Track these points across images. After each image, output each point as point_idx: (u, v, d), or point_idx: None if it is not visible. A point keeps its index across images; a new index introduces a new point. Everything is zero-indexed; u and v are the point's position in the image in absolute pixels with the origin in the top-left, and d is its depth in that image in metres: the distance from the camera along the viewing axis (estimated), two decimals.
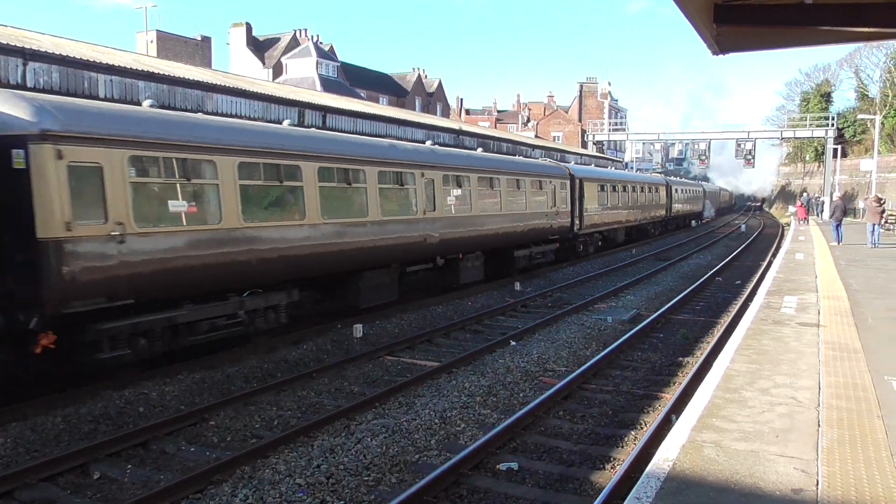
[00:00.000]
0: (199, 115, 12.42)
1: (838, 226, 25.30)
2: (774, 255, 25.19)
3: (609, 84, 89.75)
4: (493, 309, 15.57)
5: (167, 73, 17.59)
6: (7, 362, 8.31)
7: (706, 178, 74.63)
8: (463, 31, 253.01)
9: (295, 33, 60.21)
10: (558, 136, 79.58)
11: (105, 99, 15.11)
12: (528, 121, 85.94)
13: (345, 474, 6.64)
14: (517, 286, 18.98)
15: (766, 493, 4.61)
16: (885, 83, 58.31)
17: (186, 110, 16.45)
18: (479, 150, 24.62)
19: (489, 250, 18.99)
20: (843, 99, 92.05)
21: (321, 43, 59.20)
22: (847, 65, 67.72)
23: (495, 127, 71.84)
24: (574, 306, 15.75)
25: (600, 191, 28.51)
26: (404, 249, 14.83)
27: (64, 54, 14.97)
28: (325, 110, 22.84)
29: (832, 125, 53.09)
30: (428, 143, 19.10)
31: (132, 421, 8.14)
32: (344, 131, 21.38)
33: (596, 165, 37.38)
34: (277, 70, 55.96)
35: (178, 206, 9.64)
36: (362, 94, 52.61)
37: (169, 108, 15.77)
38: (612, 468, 6.89)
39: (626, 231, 33.61)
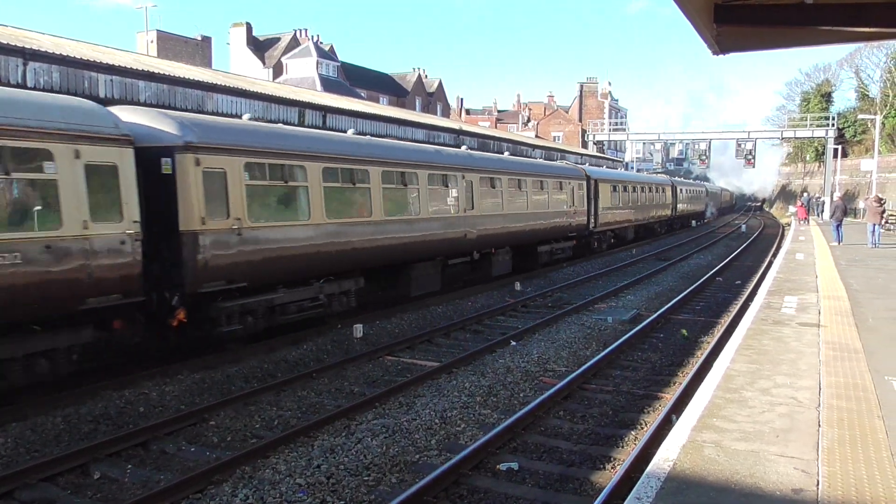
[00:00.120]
0: (291, 126, 15.53)
1: (839, 226, 25.29)
2: (775, 255, 25.19)
3: (609, 84, 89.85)
4: (493, 309, 15.57)
5: (167, 73, 17.59)
6: (150, 332, 10.03)
7: (706, 179, 74.63)
8: (463, 31, 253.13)
9: (295, 33, 60.22)
10: (558, 136, 79.58)
11: (105, 99, 15.10)
12: (529, 121, 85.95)
13: (345, 474, 6.64)
14: (517, 286, 18.99)
15: (766, 493, 4.60)
16: (886, 83, 58.32)
17: (186, 110, 16.45)
18: (506, 153, 25.95)
19: (516, 246, 20.60)
20: (844, 99, 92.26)
21: (321, 43, 59.22)
22: (847, 65, 67.79)
23: (495, 127, 71.85)
24: (574, 306, 15.75)
25: (613, 191, 29.95)
26: (447, 244, 16.54)
27: (64, 54, 14.96)
28: (325, 110, 22.84)
29: (832, 125, 53.10)
30: (463, 147, 21.22)
31: (132, 421, 8.15)
32: (344, 131, 21.37)
33: (597, 166, 37.73)
34: (278, 70, 55.98)
35: (278, 204, 11.64)
36: (362, 94, 52.61)
37: (169, 108, 15.80)
38: (612, 468, 6.89)
39: (634, 229, 35.09)
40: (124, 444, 7.35)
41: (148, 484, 6.52)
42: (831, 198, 43.08)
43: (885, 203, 26.70)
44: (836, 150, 50.77)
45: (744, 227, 50.16)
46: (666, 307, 15.53)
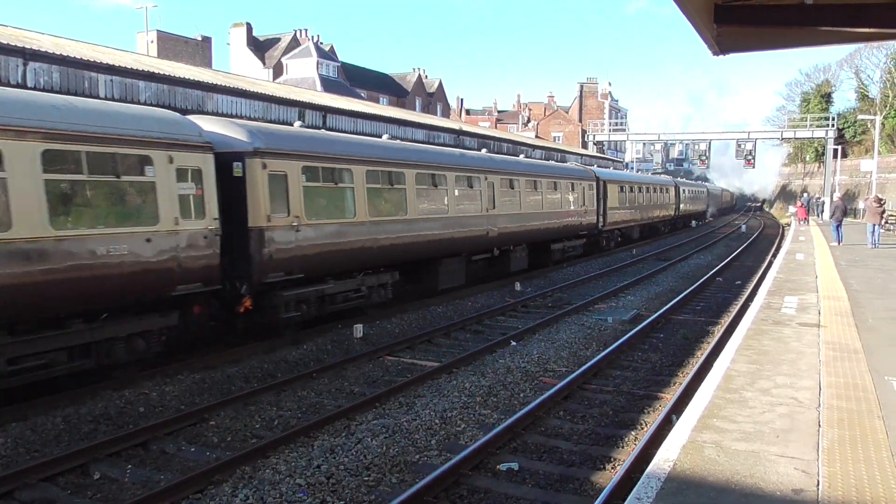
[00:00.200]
0: (338, 133, 17.32)
1: (838, 226, 25.28)
2: (775, 256, 25.19)
3: (609, 84, 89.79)
4: (494, 309, 15.57)
5: (167, 74, 17.59)
6: (221, 317, 11.36)
7: (705, 179, 74.59)
8: (463, 31, 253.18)
9: (295, 33, 60.20)
10: (558, 137, 79.57)
11: (105, 99, 15.10)
12: (529, 121, 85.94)
13: (345, 474, 6.64)
14: (517, 286, 18.99)
15: (766, 493, 4.60)
16: (886, 84, 58.35)
17: (187, 110, 16.46)
18: (522, 156, 27.13)
19: (532, 243, 21.81)
20: (844, 99, 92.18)
21: (321, 43, 59.21)
22: (847, 65, 67.82)
23: (495, 127, 71.86)
24: (574, 306, 15.75)
25: (620, 192, 31.20)
26: (472, 241, 17.70)
27: (64, 54, 14.97)
28: (325, 110, 22.84)
29: (832, 126, 53.10)
30: (483, 150, 22.79)
31: (132, 421, 8.14)
32: (344, 131, 21.39)
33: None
34: (278, 70, 55.97)
35: (329, 203, 12.77)
36: (362, 95, 52.61)
37: (169, 108, 15.80)
38: (612, 468, 6.89)
39: (640, 228, 36.37)
40: (124, 444, 7.35)
41: (148, 484, 6.52)
42: (831, 198, 43.10)
43: (884, 203, 26.69)
44: (835, 151, 50.77)
45: (744, 227, 50.16)
46: (666, 307, 15.53)
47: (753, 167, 57.18)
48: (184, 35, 48.97)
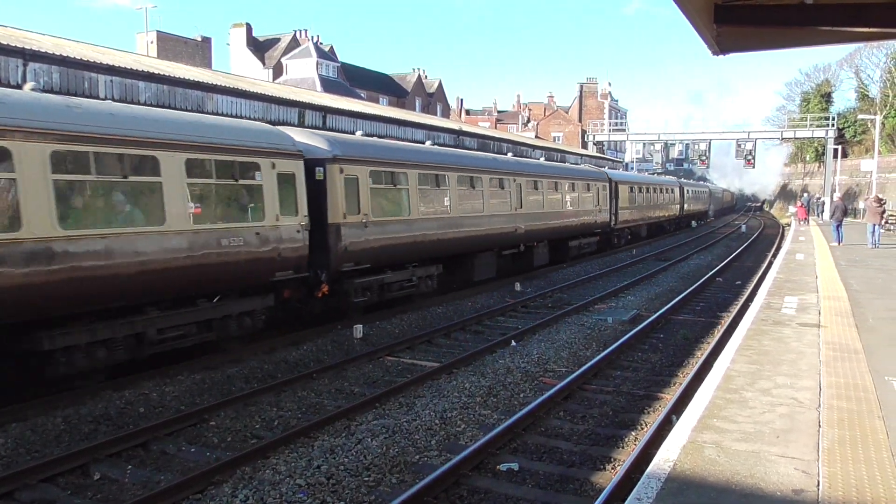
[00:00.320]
0: (395, 140, 20.90)
1: (839, 226, 25.28)
2: (775, 256, 25.19)
3: (609, 84, 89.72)
4: (493, 309, 15.56)
5: (167, 74, 17.58)
6: (304, 301, 12.89)
7: (704, 179, 74.55)
8: (463, 31, 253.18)
9: (295, 34, 60.17)
10: (558, 137, 79.56)
11: (105, 99, 15.10)
12: (529, 121, 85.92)
13: (345, 475, 6.64)
14: (517, 286, 18.99)
15: (766, 493, 4.60)
16: (886, 83, 58.35)
17: (186, 111, 16.46)
18: (541, 158, 29.68)
19: (552, 240, 23.67)
20: (844, 99, 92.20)
21: (321, 43, 59.18)
22: (847, 65, 67.82)
23: (495, 127, 71.86)
24: (574, 307, 15.75)
25: (630, 192, 33.09)
26: (502, 237, 19.46)
27: (64, 55, 14.95)
28: (325, 111, 22.82)
29: (832, 125, 53.09)
30: (509, 154, 24.55)
31: (132, 421, 8.14)
32: (344, 131, 21.39)
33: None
34: (278, 70, 55.95)
35: (389, 203, 14.54)
36: (362, 95, 52.60)
37: (169, 108, 15.83)
38: (612, 469, 6.88)
39: (648, 227, 38.21)
40: (124, 444, 7.35)
41: (148, 484, 6.52)
42: (831, 198, 43.10)
43: (885, 203, 26.68)
44: (835, 151, 50.76)
45: (744, 227, 50.16)
46: (666, 307, 15.53)
47: (753, 167, 57.18)
48: (183, 35, 48.96)
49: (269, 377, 10.10)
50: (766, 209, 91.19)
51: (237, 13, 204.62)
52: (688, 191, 49.72)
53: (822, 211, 47.00)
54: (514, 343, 12.26)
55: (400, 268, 14.93)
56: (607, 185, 29.28)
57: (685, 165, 79.14)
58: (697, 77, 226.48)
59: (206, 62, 46.79)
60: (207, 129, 10.45)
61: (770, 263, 23.12)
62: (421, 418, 8.21)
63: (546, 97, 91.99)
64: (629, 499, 4.61)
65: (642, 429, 8.04)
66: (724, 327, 13.36)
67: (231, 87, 19.54)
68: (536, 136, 68.24)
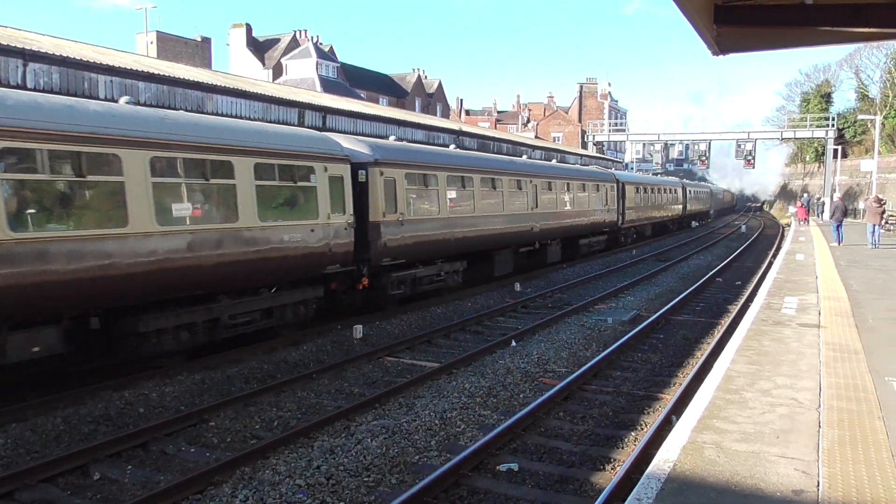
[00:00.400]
0: (427, 145, 22.85)
1: (839, 226, 25.27)
2: (775, 256, 25.18)
3: (609, 84, 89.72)
4: (493, 310, 15.56)
5: (167, 74, 17.58)
6: (346, 293, 13.95)
7: (703, 179, 74.52)
8: (463, 31, 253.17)
9: (295, 34, 60.17)
10: (558, 137, 79.56)
11: (105, 100, 15.10)
12: (528, 121, 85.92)
13: (345, 475, 6.63)
14: (517, 287, 19.00)
15: (766, 494, 4.60)
16: (886, 83, 58.36)
17: (186, 111, 16.46)
18: (554, 160, 30.98)
19: (565, 238, 24.82)
20: (844, 99, 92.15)
21: (321, 44, 59.17)
22: (847, 65, 67.83)
23: (495, 127, 71.86)
24: (574, 307, 15.75)
25: (636, 193, 34.26)
26: (520, 235, 20.60)
27: (64, 55, 14.95)
28: (325, 111, 22.82)
29: (832, 126, 53.10)
30: (524, 157, 26.28)
31: (132, 422, 8.14)
32: (344, 132, 21.40)
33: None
34: (277, 71, 55.95)
35: (422, 203, 15.69)
36: (362, 95, 52.59)
37: (169, 108, 15.84)
38: (612, 469, 6.88)
39: (652, 226, 39.37)
40: (124, 444, 7.35)
41: (148, 485, 6.52)
42: (831, 198, 43.10)
43: (885, 203, 26.68)
44: (835, 151, 50.76)
45: (743, 227, 50.16)
46: (666, 308, 15.53)
47: (753, 167, 57.20)
48: (183, 36, 49.05)
49: (269, 377, 10.10)
50: (766, 209, 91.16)
51: (237, 13, 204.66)
52: (690, 191, 50.60)
53: (822, 211, 46.99)
54: (513, 343, 12.26)
55: (429, 263, 16.07)
56: (615, 185, 30.35)
57: (685, 166, 79.12)
58: (697, 77, 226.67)
59: (206, 62, 46.83)
60: (272, 136, 11.72)
61: (770, 264, 23.12)
62: (421, 419, 8.21)
63: (546, 97, 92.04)
64: (629, 499, 4.60)
65: (642, 429, 8.04)
66: (724, 328, 13.36)
67: (231, 87, 19.54)
68: (536, 137, 68.27)
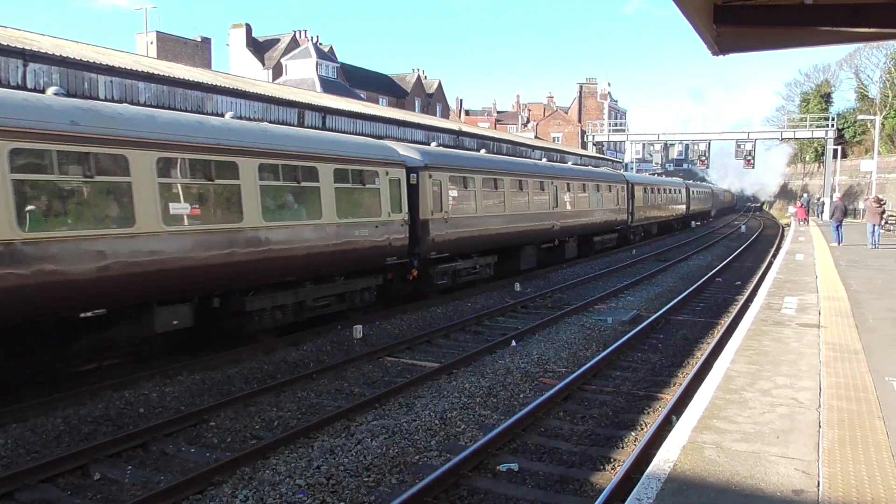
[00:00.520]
0: (465, 150, 25.16)
1: (838, 226, 25.28)
2: (774, 256, 25.18)
3: (609, 85, 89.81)
4: (493, 310, 15.56)
5: (167, 74, 17.58)
6: (397, 283, 15.63)
7: (704, 179, 74.54)
8: (463, 32, 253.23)
9: (295, 34, 60.15)
10: (558, 137, 79.57)
11: (105, 100, 15.09)
12: (528, 121, 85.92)
13: (345, 475, 6.63)
14: (517, 287, 19.00)
15: (766, 494, 4.60)
16: (885, 84, 58.37)
17: (186, 111, 16.47)
18: (570, 163, 33.11)
19: (581, 236, 26.61)
20: (843, 99, 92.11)
21: (321, 44, 59.15)
22: (847, 65, 67.86)
23: (495, 128, 71.85)
24: (574, 307, 15.75)
25: (644, 193, 36.02)
26: (543, 233, 22.44)
27: (64, 55, 14.95)
28: (324, 111, 22.82)
29: (832, 126, 53.10)
30: (543, 159, 29.39)
31: (132, 422, 8.14)
32: (344, 132, 21.42)
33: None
34: (277, 71, 55.93)
35: (462, 202, 17.41)
36: (362, 95, 52.58)
37: (169, 108, 15.86)
38: (612, 469, 6.88)
39: (658, 225, 41.03)
40: (124, 444, 7.34)
41: (148, 485, 6.52)
42: (831, 198, 43.11)
43: (884, 203, 26.69)
44: (835, 151, 50.77)
45: (743, 227, 50.18)
46: (666, 308, 15.52)
47: (753, 167, 57.19)
48: (183, 36, 49.01)
49: (269, 377, 10.10)
50: (766, 210, 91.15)
51: (237, 14, 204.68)
52: (693, 192, 51.89)
53: (822, 211, 47.01)
54: (513, 343, 12.26)
55: (467, 257, 17.83)
56: (625, 186, 32.34)
57: (685, 166, 79.19)
58: (697, 77, 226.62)
59: (206, 63, 46.81)
60: (346, 145, 13.68)
61: (770, 264, 23.12)
62: (421, 419, 8.21)
63: (546, 97, 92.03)
64: (629, 499, 4.60)
65: (642, 429, 8.04)
66: (724, 328, 13.36)
67: (231, 87, 19.55)
68: (536, 137, 68.25)
